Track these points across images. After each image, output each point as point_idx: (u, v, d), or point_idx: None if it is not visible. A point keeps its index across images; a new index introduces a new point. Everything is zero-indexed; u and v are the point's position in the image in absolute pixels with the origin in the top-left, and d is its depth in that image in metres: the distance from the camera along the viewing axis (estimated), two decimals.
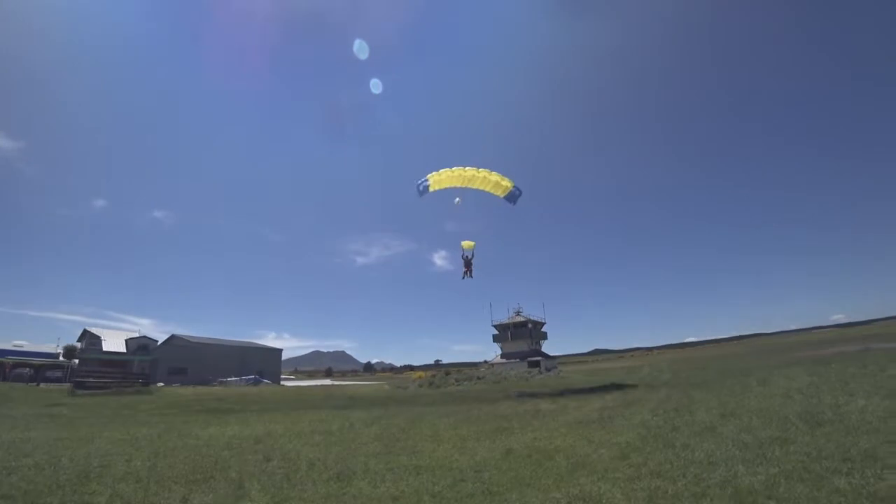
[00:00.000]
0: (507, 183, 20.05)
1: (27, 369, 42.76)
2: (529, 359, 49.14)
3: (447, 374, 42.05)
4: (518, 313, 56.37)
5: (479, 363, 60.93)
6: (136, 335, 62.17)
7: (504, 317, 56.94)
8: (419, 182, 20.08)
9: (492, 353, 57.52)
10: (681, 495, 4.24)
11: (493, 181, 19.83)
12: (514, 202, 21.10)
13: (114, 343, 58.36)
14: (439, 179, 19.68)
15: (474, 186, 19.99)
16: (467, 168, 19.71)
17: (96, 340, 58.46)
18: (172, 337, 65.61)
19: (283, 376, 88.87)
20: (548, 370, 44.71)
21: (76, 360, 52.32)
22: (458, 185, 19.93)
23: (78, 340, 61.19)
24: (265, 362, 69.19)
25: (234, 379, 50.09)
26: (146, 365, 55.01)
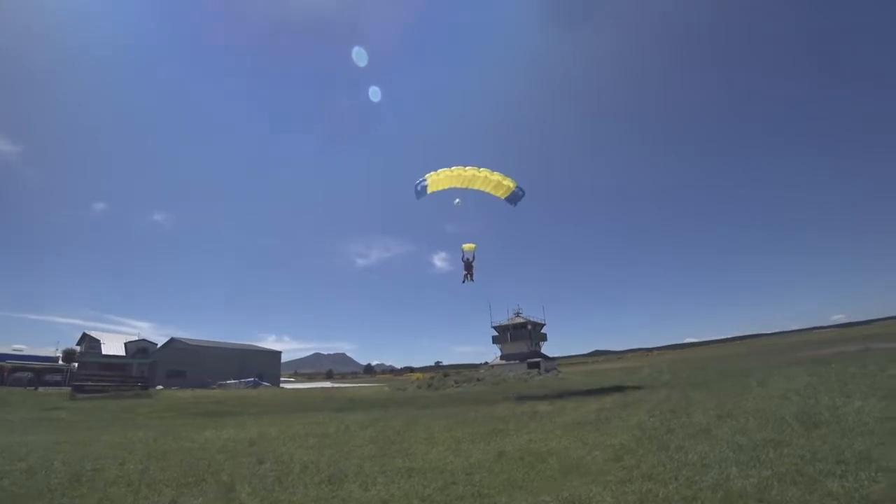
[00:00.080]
0: (509, 183, 19.36)
1: (26, 373, 42.70)
2: (529, 360, 49.05)
3: (446, 375, 41.99)
4: (517, 315, 56.32)
5: (480, 365, 60.86)
6: (136, 338, 62.09)
7: (504, 318, 56.94)
8: (417, 182, 19.42)
9: (492, 354, 57.53)
10: (671, 499, 4.19)
11: (494, 181, 19.20)
12: (516, 203, 20.45)
13: (113, 346, 58.29)
14: (438, 180, 19.03)
15: (474, 187, 19.36)
16: (467, 168, 19.06)
17: (95, 344, 58.40)
18: (172, 340, 65.58)
19: (283, 379, 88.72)
20: (547, 371, 44.61)
21: (75, 364, 52.23)
22: (458, 185, 19.29)
23: (77, 344, 61.13)
24: (265, 365, 69.06)
25: (233, 382, 49.98)
26: (145, 368, 54.92)
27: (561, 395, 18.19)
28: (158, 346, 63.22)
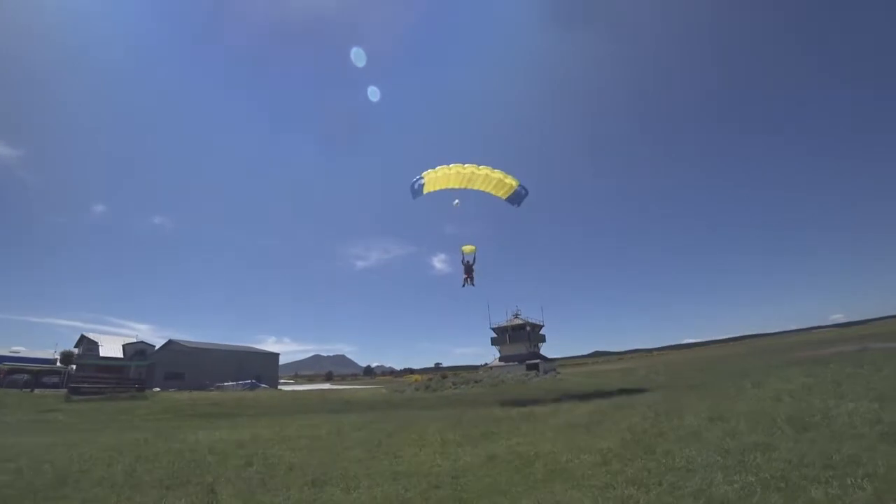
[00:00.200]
0: (511, 181, 18.33)
1: (23, 375, 42.60)
2: (528, 361, 48.92)
3: (444, 377, 41.94)
4: (516, 316, 56.22)
5: (480, 366, 60.76)
6: (134, 340, 62.02)
7: (503, 320, 56.83)
8: (414, 180, 18.40)
9: (492, 356, 57.37)
10: None
11: (495, 180, 18.18)
12: (519, 203, 19.36)
13: (111, 348, 58.22)
14: (436, 178, 18.04)
15: (474, 187, 18.38)
16: (466, 165, 18.02)
17: (93, 346, 58.32)
18: (170, 342, 65.47)
19: (282, 381, 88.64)
20: (545, 373, 44.50)
21: (73, 366, 52.13)
22: (457, 185, 18.30)
23: (75, 346, 61.02)
24: (263, 367, 68.93)
25: (230, 384, 49.83)
26: (143, 370, 54.80)
27: (556, 397, 18.15)
28: (156, 348, 63.14)
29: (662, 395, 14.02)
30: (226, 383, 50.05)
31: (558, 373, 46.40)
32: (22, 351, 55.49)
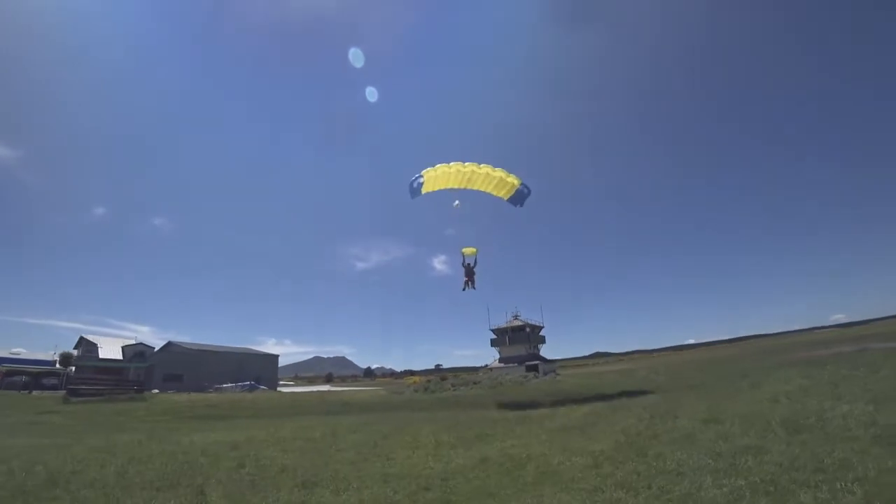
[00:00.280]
0: (513, 180, 17.72)
1: (21, 377, 42.60)
2: (527, 363, 48.88)
3: (443, 378, 41.88)
4: (516, 317, 56.22)
5: (480, 368, 60.71)
6: (133, 342, 62.00)
7: (502, 321, 56.83)
8: (413, 179, 17.83)
9: (492, 357, 57.35)
10: None
11: (496, 178, 17.59)
12: (522, 203, 18.67)
13: (110, 350, 58.15)
14: (435, 176, 17.49)
15: (474, 187, 17.83)
16: (466, 164, 17.47)
17: (92, 347, 58.26)
18: (169, 344, 65.44)
19: (282, 382, 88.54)
20: (545, 374, 44.43)
21: (72, 368, 52.12)
22: (456, 185, 17.72)
23: (74, 348, 60.99)
24: (262, 368, 68.87)
25: (229, 385, 49.75)
26: (142, 372, 54.75)
27: (554, 399, 18.10)
28: (156, 349, 63.12)
29: (660, 396, 13.99)
30: (225, 385, 49.97)
31: (558, 374, 46.31)
32: (22, 353, 55.54)
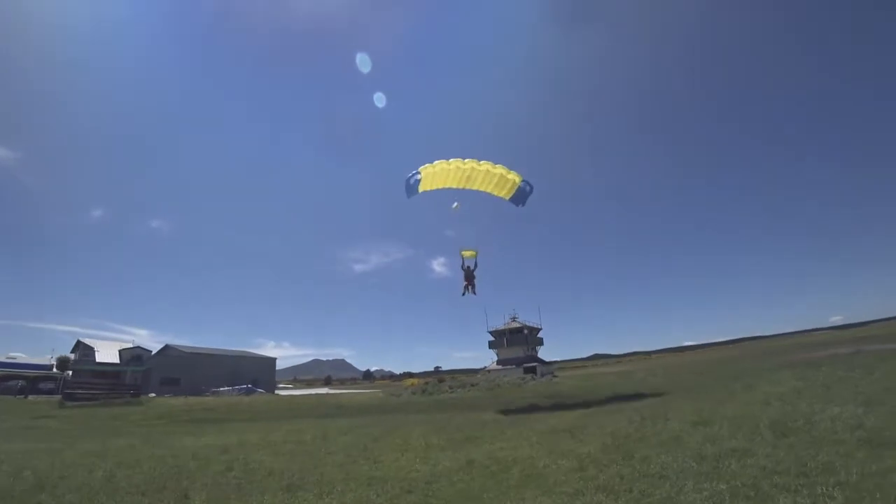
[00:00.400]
0: (514, 177, 16.88)
1: (17, 381, 42.42)
2: (525, 365, 48.87)
3: (441, 381, 41.84)
4: (514, 319, 56.25)
5: (479, 370, 60.66)
6: (130, 346, 61.84)
7: (500, 323, 56.86)
8: (409, 175, 16.98)
9: (491, 359, 57.35)
10: None
11: (497, 175, 16.74)
12: (524, 202, 17.78)
13: (107, 354, 57.97)
14: (433, 173, 16.65)
15: (475, 186, 16.99)
16: (466, 160, 16.58)
17: (89, 351, 58.10)
18: (166, 347, 65.22)
19: (281, 385, 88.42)
20: (542, 376, 44.39)
21: (69, 372, 51.94)
22: (455, 185, 16.92)
23: (71, 352, 60.80)
24: (260, 371, 68.73)
25: (226, 389, 49.63)
26: (139, 376, 54.62)
27: (549, 400, 18.08)
28: (153, 353, 62.94)
29: (653, 398, 13.97)
30: (222, 388, 49.86)
31: (555, 376, 46.25)
32: (19, 357, 55.40)
